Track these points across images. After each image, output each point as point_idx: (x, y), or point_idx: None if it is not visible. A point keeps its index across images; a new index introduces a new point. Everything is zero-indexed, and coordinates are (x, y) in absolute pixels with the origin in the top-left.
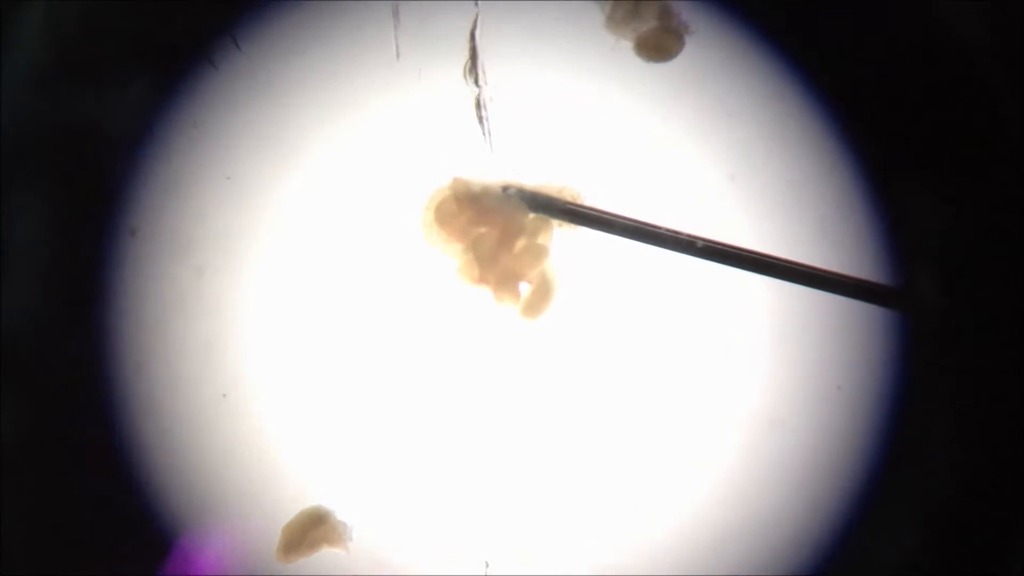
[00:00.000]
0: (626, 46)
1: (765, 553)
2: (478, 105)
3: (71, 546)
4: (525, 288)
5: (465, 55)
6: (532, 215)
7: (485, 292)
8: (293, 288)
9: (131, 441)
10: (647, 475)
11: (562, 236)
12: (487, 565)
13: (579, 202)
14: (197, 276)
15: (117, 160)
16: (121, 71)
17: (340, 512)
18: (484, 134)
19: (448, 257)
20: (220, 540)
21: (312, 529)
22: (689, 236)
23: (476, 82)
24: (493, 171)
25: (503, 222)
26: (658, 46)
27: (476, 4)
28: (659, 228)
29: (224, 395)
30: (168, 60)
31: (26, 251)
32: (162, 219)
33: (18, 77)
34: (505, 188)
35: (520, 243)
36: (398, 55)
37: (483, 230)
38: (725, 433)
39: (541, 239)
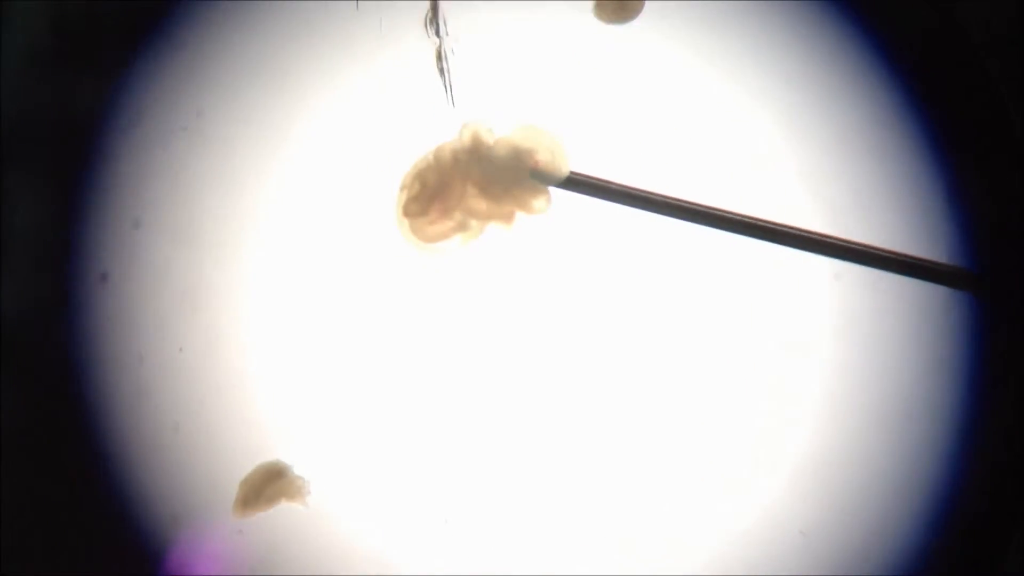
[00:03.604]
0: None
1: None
2: (439, 57)
3: (69, 543)
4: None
5: (426, 6)
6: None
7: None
8: (288, 271)
9: (131, 434)
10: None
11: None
12: (446, 521)
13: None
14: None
15: (119, 149)
16: (123, 59)
17: (299, 467)
18: (445, 87)
19: (443, 239)
20: (214, 540)
21: (270, 483)
22: (686, 202)
23: (437, 33)
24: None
25: (468, 184)
26: (618, 7)
27: None
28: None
29: (180, 349)
30: (170, 46)
31: (25, 240)
32: (165, 209)
33: (18, 64)
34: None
35: (497, 180)
36: (358, 4)
37: (471, 199)
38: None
39: (502, 154)
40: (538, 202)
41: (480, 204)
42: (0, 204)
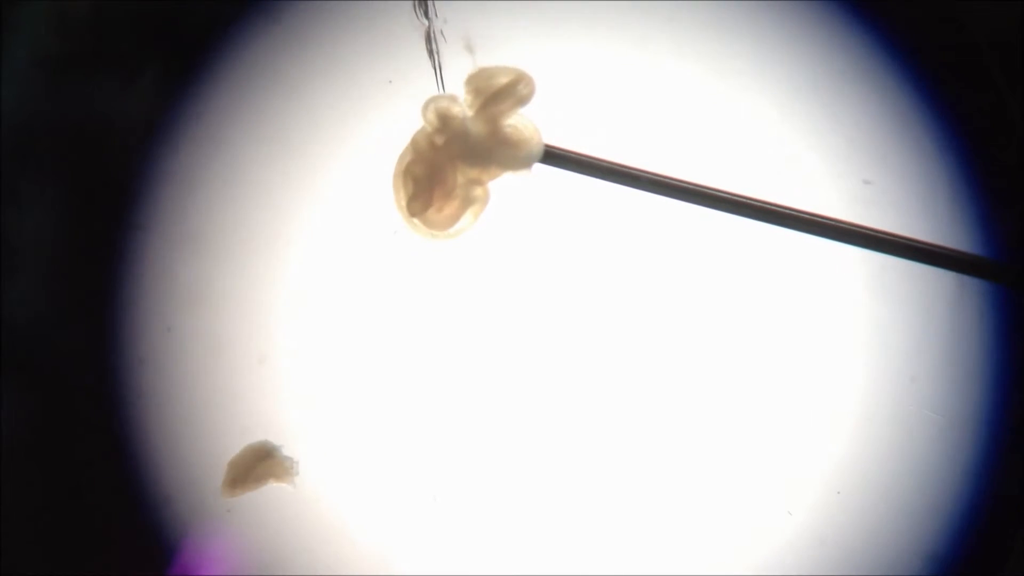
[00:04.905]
0: None
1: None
2: (428, 39)
3: (72, 544)
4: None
5: None
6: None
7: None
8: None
9: (134, 435)
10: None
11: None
12: (435, 499)
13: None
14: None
15: (124, 153)
16: (128, 64)
17: (286, 447)
18: (434, 68)
19: (457, 220)
20: (220, 542)
21: (258, 464)
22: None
23: (426, 15)
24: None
25: (456, 160)
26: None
27: None
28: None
29: (168, 329)
30: (174, 53)
31: (32, 244)
32: (168, 213)
33: (26, 69)
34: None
35: (479, 147)
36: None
37: (460, 175)
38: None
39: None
40: (526, 155)
41: (475, 172)
42: (3, 209)
